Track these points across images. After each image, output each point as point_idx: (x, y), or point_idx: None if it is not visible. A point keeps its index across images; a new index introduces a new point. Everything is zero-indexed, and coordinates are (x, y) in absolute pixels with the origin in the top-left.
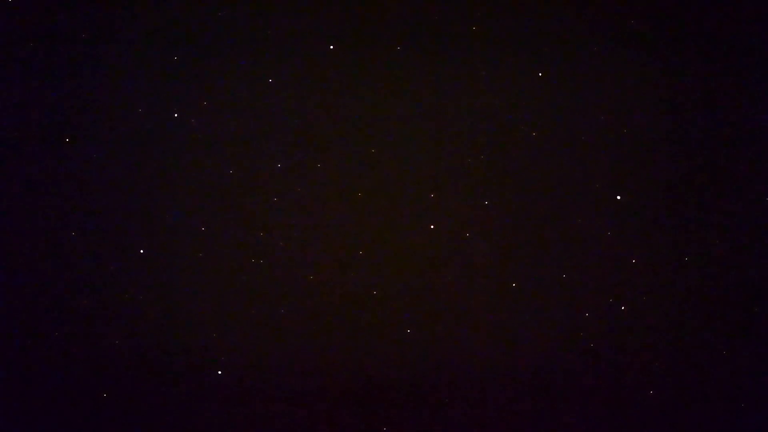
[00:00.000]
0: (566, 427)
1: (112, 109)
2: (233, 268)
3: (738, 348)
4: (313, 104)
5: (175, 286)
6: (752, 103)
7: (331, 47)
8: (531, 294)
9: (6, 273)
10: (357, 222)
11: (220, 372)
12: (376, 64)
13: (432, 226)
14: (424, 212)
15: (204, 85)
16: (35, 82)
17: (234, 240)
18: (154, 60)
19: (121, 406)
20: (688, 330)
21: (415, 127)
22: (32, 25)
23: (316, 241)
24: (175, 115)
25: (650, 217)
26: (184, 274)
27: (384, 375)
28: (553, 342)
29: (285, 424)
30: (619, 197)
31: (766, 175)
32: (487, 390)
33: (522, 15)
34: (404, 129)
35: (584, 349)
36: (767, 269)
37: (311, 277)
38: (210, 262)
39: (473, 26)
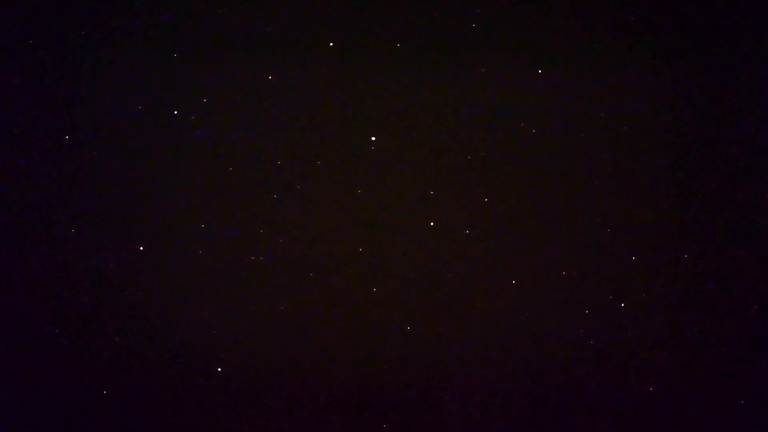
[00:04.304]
0: (566, 426)
1: (111, 107)
2: (233, 265)
3: (738, 347)
4: (312, 101)
5: (175, 283)
6: (752, 102)
7: (331, 44)
8: (531, 291)
9: (6, 272)
10: (357, 219)
11: (219, 369)
12: (376, 62)
13: (432, 224)
14: (423, 209)
15: (204, 83)
16: (35, 82)
17: (234, 237)
18: (154, 57)
19: (121, 403)
20: (688, 327)
21: (414, 125)
22: (32, 25)
23: (316, 239)
24: (175, 112)
25: (650, 216)
26: (183, 271)
27: (384, 373)
28: (552, 339)
29: (284, 422)
30: (619, 195)
31: (766, 175)
32: (487, 388)
33: (522, 13)
34: (404, 126)
35: (584, 346)
36: (767, 269)
37: (311, 274)
38: (210, 260)
39: (473, 24)
